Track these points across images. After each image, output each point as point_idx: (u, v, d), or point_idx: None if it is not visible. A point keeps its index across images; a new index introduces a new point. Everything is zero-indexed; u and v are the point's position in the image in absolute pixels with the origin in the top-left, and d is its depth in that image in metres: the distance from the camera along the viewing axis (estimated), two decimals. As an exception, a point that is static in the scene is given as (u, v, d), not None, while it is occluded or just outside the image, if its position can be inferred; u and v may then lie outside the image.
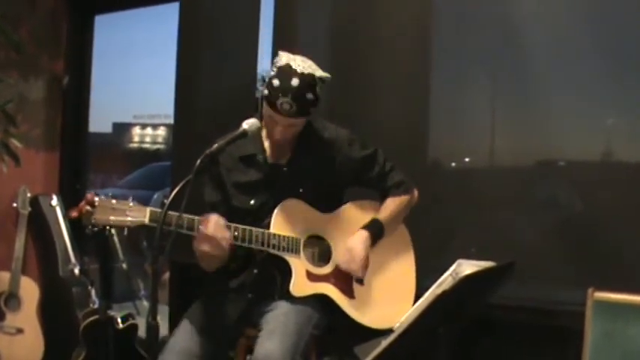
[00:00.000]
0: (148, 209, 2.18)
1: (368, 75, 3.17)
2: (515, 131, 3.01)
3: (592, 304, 2.40)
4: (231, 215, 2.33)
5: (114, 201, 2.16)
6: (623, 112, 2.77)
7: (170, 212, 2.09)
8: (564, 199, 3.01)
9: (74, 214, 2.21)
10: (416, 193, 2.55)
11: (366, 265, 2.41)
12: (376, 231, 2.43)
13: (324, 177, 2.42)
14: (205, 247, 2.21)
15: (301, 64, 2.27)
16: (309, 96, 2.26)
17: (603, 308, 2.39)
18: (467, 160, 3.21)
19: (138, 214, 2.17)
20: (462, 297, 2.19)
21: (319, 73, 2.29)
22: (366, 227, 2.43)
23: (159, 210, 2.17)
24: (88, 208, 2.14)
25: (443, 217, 3.08)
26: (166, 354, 2.26)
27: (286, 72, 2.25)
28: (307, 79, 2.25)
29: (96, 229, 2.17)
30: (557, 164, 2.95)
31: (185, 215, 2.15)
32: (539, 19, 2.89)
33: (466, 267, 2.15)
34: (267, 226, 2.31)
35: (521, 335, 2.78)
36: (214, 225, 2.20)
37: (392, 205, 2.48)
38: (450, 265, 2.19)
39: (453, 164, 3.24)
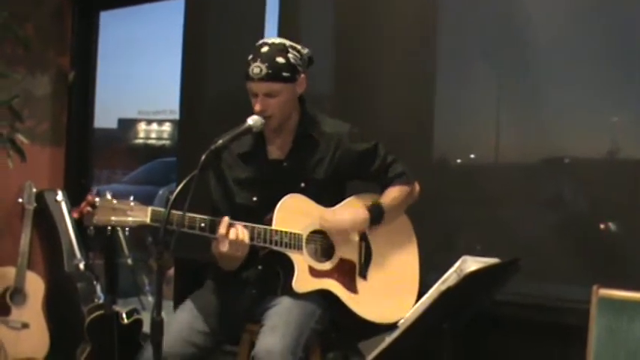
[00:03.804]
0: (150, 209, 2.17)
1: (373, 72, 3.17)
2: (520, 128, 3.00)
3: (597, 301, 2.40)
4: (235, 212, 2.34)
5: (115, 201, 2.15)
6: (629, 109, 2.76)
7: (174, 211, 2.09)
8: (569, 196, 3.00)
9: (75, 215, 2.22)
10: (417, 186, 2.54)
11: (340, 233, 2.39)
12: (376, 213, 2.42)
13: (325, 171, 2.42)
14: (227, 249, 2.22)
15: (274, 38, 2.34)
16: (280, 59, 2.27)
17: (608, 305, 2.38)
18: (472, 156, 3.20)
19: (139, 214, 2.17)
20: (467, 293, 2.19)
21: (292, 43, 2.33)
22: (367, 208, 2.41)
23: (160, 209, 2.17)
24: (89, 209, 2.14)
25: (448, 214, 3.08)
26: (170, 327, 2.23)
27: (259, 45, 2.32)
28: (278, 46, 2.30)
29: (99, 226, 2.16)
30: (562, 161, 2.94)
31: (188, 214, 2.16)
32: (545, 16, 2.88)
33: (471, 263, 2.15)
34: (270, 222, 2.31)
35: (526, 332, 2.78)
36: (240, 229, 2.23)
37: (393, 192, 2.47)
38: (455, 261, 2.19)
39: (459, 161, 3.23)
